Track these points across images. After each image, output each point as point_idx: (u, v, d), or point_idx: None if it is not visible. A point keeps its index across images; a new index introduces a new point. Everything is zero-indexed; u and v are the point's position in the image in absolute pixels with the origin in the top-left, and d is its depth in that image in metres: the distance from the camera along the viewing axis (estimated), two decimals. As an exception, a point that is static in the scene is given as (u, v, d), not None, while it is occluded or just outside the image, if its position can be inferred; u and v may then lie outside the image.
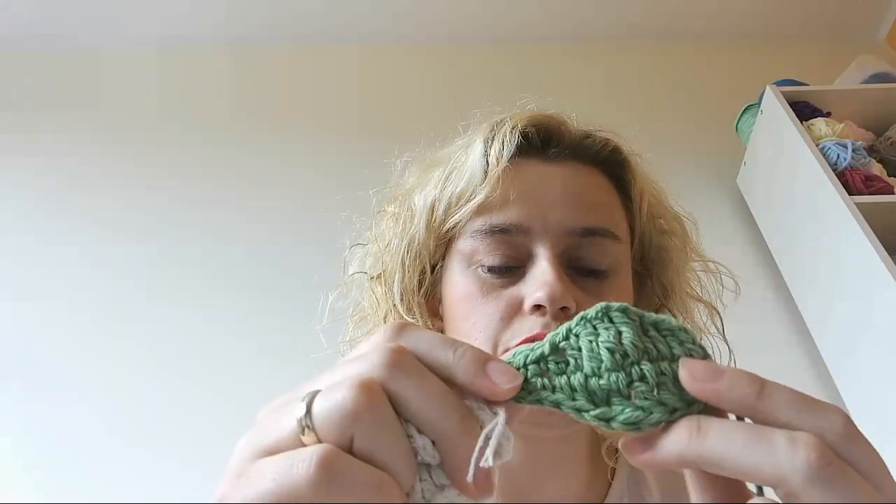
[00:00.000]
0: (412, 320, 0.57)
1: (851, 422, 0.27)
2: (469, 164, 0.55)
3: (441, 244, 0.57)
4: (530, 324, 0.49)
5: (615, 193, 0.58)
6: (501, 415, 0.28)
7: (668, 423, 0.29)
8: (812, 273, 1.58)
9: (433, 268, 0.58)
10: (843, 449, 0.26)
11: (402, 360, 0.27)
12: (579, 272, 0.53)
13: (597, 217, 0.54)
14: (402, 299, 0.58)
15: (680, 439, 0.28)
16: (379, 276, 0.60)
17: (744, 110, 2.01)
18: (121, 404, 1.49)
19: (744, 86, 2.07)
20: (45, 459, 1.41)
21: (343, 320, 0.65)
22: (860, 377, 1.38)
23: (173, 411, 1.47)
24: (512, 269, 0.52)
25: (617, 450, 0.63)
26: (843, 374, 1.44)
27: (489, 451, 0.26)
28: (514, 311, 0.50)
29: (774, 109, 1.77)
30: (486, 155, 0.55)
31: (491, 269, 0.52)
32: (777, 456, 0.25)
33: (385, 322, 0.59)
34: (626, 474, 0.63)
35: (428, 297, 0.59)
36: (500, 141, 0.55)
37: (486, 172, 0.54)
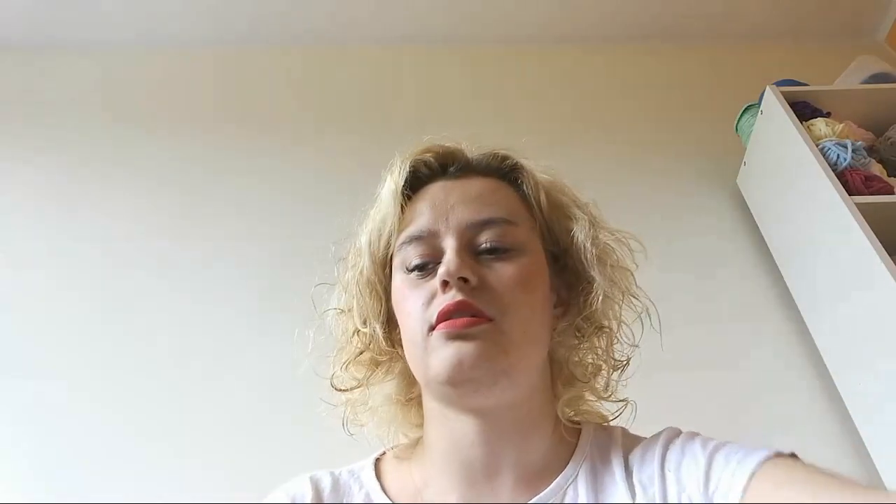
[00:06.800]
0: (373, 337, 0.70)
1: None
2: (383, 197, 0.69)
3: (387, 269, 0.70)
4: (441, 299, 0.60)
5: (513, 192, 0.70)
6: None
7: None
8: (812, 273, 1.58)
9: (387, 291, 0.70)
10: None
11: None
12: (484, 256, 0.63)
13: (492, 210, 0.65)
14: (363, 323, 0.71)
15: None
16: (344, 311, 0.74)
17: (744, 110, 2.00)
18: (118, 404, 1.50)
19: (744, 86, 2.07)
20: (43, 459, 1.42)
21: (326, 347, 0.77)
22: (860, 378, 1.38)
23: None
24: (432, 267, 0.64)
25: (575, 410, 0.72)
26: (843, 374, 1.44)
27: None
28: (432, 295, 0.62)
29: (774, 109, 1.77)
30: (393, 185, 0.68)
31: (414, 270, 0.65)
32: None
33: (352, 340, 0.72)
34: (591, 434, 0.68)
35: (390, 316, 0.71)
36: (398, 171, 0.69)
37: (394, 198, 0.68)
